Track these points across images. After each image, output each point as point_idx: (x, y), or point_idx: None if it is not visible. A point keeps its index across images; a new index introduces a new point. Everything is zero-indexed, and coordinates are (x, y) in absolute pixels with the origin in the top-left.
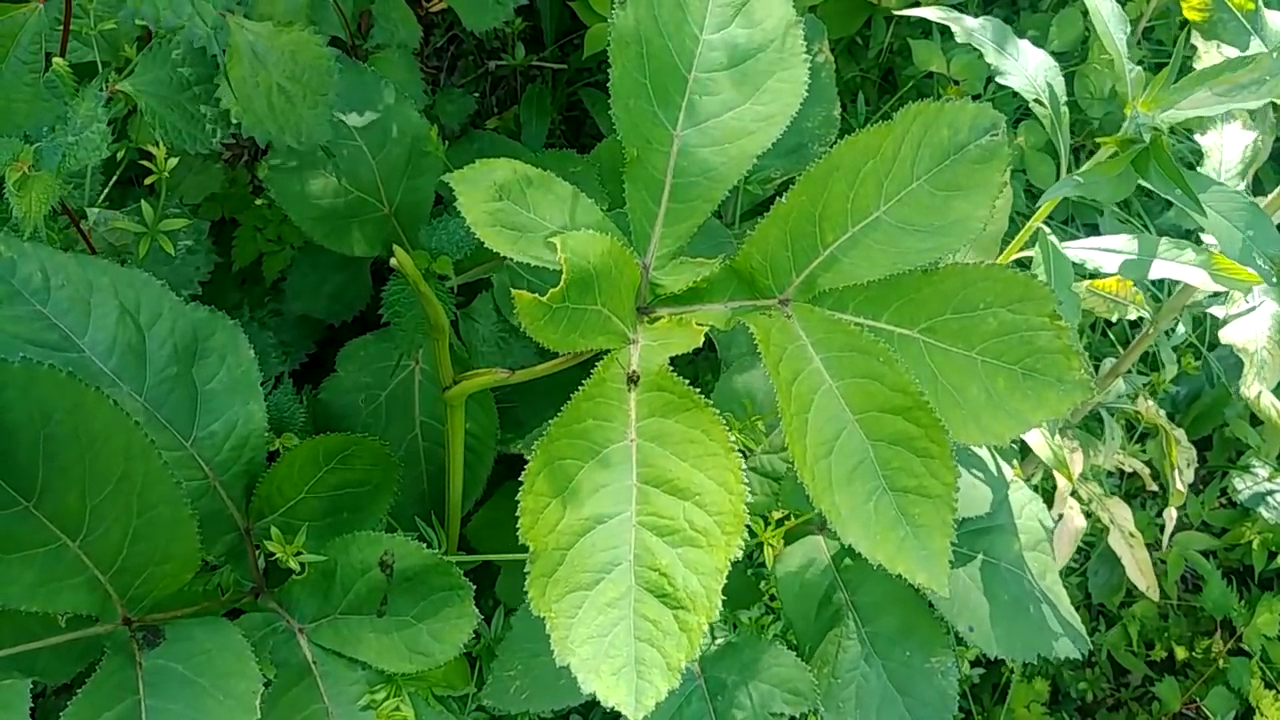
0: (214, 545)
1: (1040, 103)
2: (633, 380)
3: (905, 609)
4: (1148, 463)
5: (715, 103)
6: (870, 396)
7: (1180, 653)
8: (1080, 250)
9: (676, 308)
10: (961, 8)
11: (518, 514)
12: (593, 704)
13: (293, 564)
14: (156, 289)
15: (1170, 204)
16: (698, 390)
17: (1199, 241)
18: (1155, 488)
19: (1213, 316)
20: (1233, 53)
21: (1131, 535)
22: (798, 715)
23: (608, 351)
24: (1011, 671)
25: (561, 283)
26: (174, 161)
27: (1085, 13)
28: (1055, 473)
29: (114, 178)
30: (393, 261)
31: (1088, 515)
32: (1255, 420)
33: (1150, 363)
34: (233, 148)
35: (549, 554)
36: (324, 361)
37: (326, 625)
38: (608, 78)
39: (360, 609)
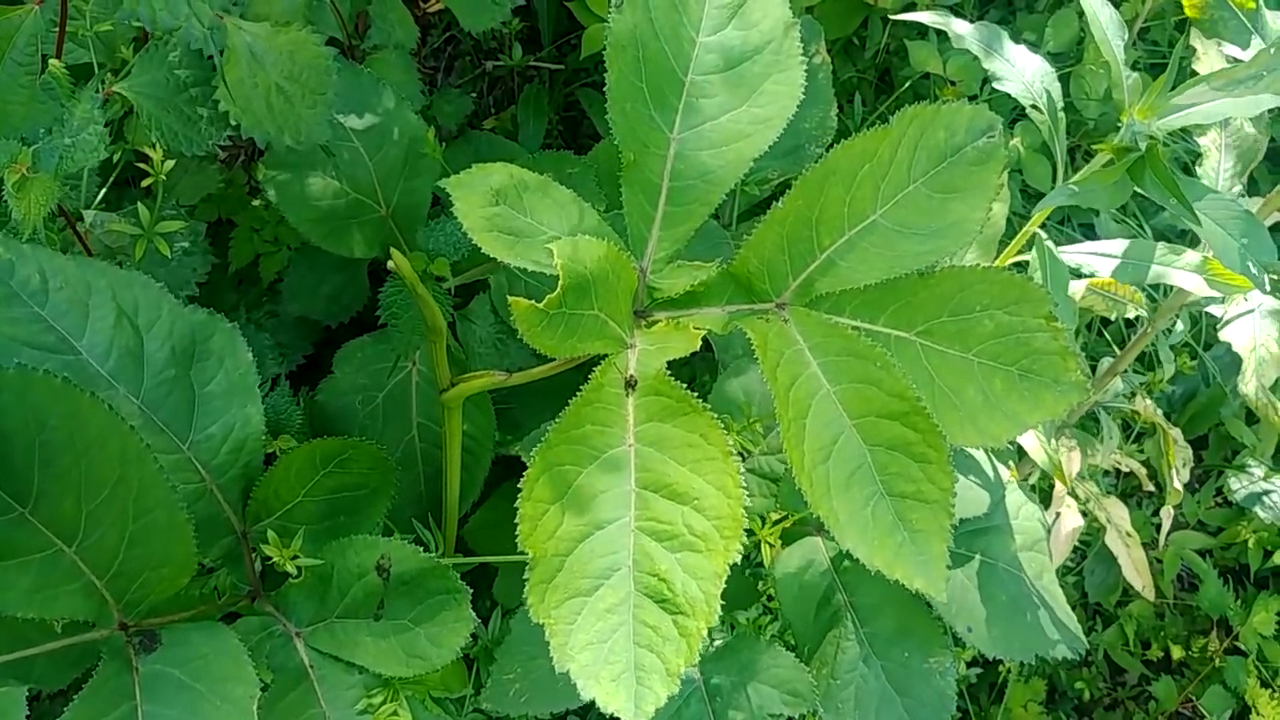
0: (211, 548)
1: (1036, 108)
2: (630, 385)
3: (903, 610)
4: (1144, 462)
5: (712, 106)
6: (867, 401)
7: (1177, 652)
8: (1076, 255)
9: (673, 312)
10: (958, 9)
11: (516, 520)
12: (591, 706)
13: (289, 568)
14: (155, 291)
15: None
16: (695, 394)
17: (1195, 241)
18: (1152, 487)
19: (1209, 316)
20: (1233, 51)
21: (1128, 535)
22: (796, 716)
23: (605, 355)
24: (1009, 671)
25: (558, 288)
26: (171, 163)
27: (1081, 13)
28: (1055, 476)
29: (110, 179)
30: (390, 264)
31: (1085, 514)
32: (1251, 419)
33: (1147, 362)
34: (229, 149)
35: (548, 560)
36: (321, 363)
37: (323, 629)
38: (605, 79)
39: (357, 613)
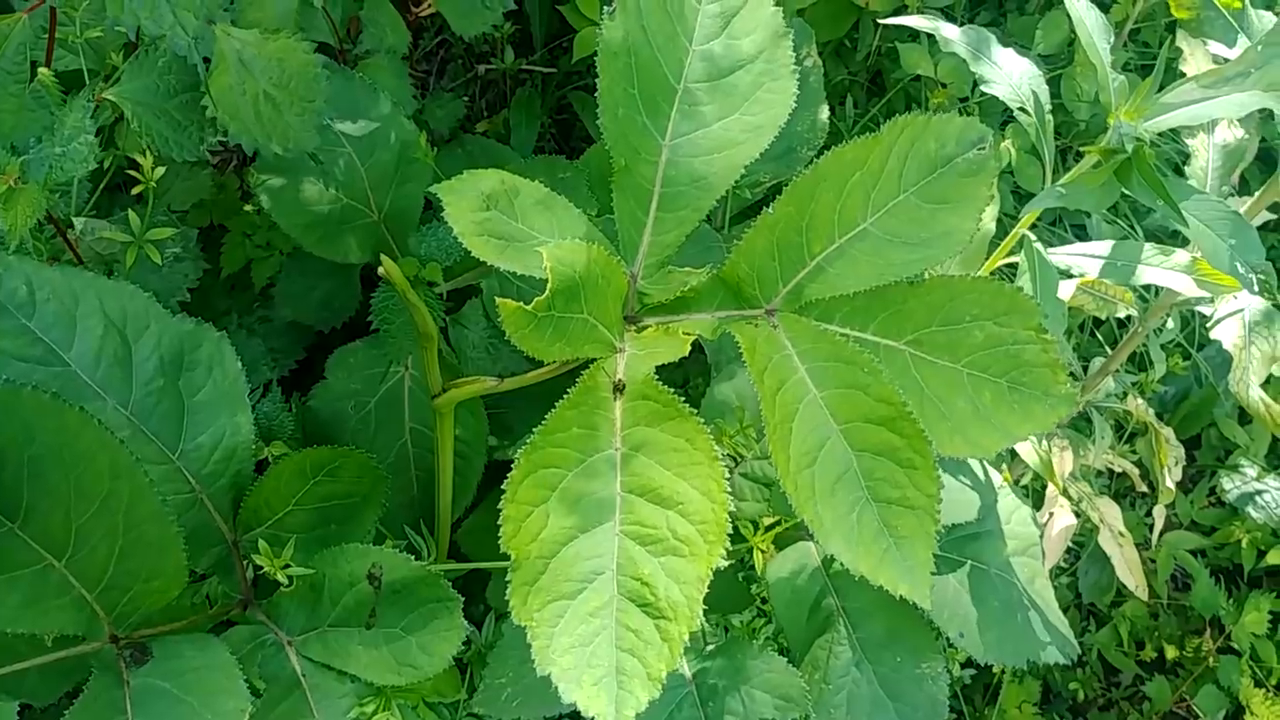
0: (201, 558)
1: (1024, 110)
2: (618, 389)
3: (895, 614)
4: (1137, 462)
5: (704, 113)
6: (854, 407)
7: (1170, 652)
8: (1066, 256)
9: (663, 317)
10: (948, 11)
11: (499, 522)
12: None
13: (280, 577)
14: (143, 300)
15: None
16: (683, 398)
17: (1186, 243)
18: (1144, 487)
19: (1201, 316)
20: (1220, 50)
21: (1121, 534)
22: None
23: (595, 360)
24: (1003, 672)
25: (547, 291)
26: (162, 170)
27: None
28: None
29: (101, 186)
30: (382, 270)
31: (1077, 515)
32: (1244, 419)
33: (1139, 362)
34: (221, 154)
35: (531, 563)
36: (313, 368)
37: (315, 638)
38: (597, 82)
39: (349, 621)
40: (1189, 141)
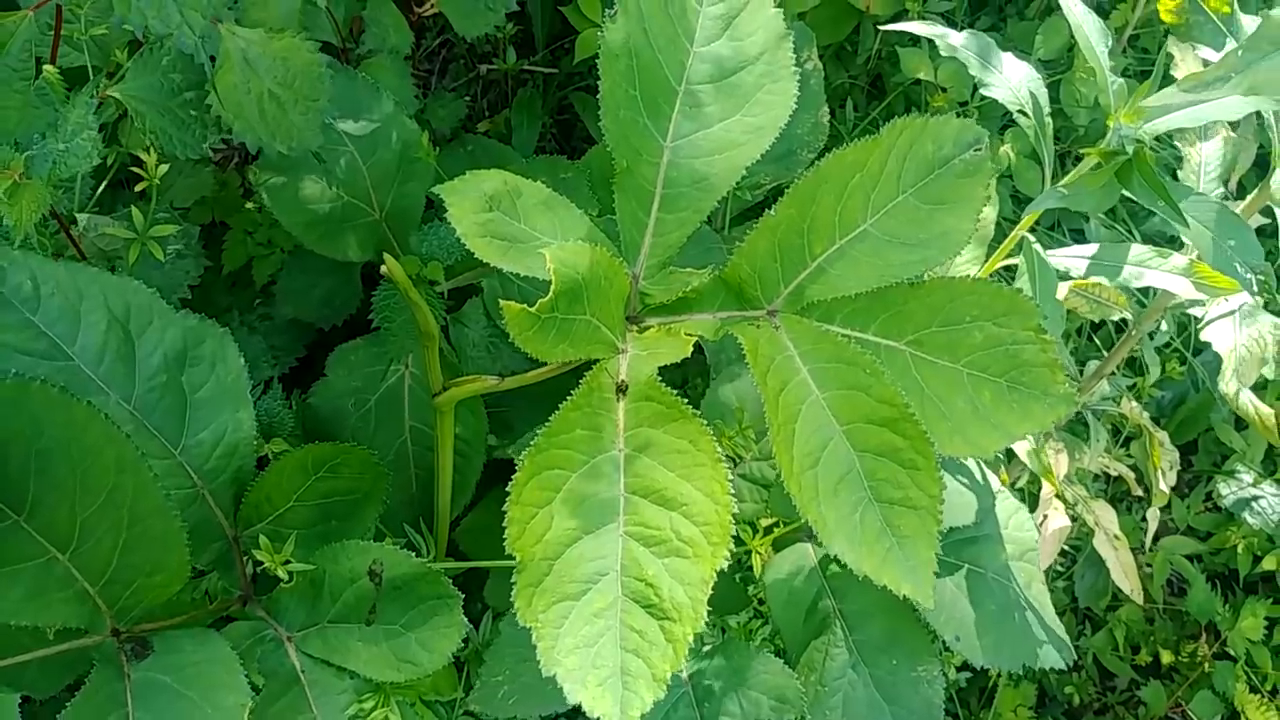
0: (202, 553)
1: (1024, 114)
2: (621, 390)
3: (892, 617)
4: (1132, 466)
5: (705, 114)
6: (856, 408)
7: (1166, 656)
8: (1065, 258)
9: (665, 317)
10: (949, 15)
11: (504, 524)
12: (578, 710)
13: (281, 572)
14: (146, 296)
15: None
16: (685, 399)
17: (1183, 246)
18: (1141, 491)
19: (1197, 320)
20: (1208, 54)
21: (1116, 538)
22: None
23: (597, 359)
24: (998, 676)
25: (550, 293)
26: (165, 167)
27: None
28: (1044, 480)
29: (104, 182)
30: (384, 268)
31: (1074, 519)
32: (1240, 425)
33: (1137, 367)
34: (223, 151)
35: (536, 564)
36: (314, 365)
37: (315, 634)
38: (598, 82)
39: (348, 618)
40: (1180, 145)
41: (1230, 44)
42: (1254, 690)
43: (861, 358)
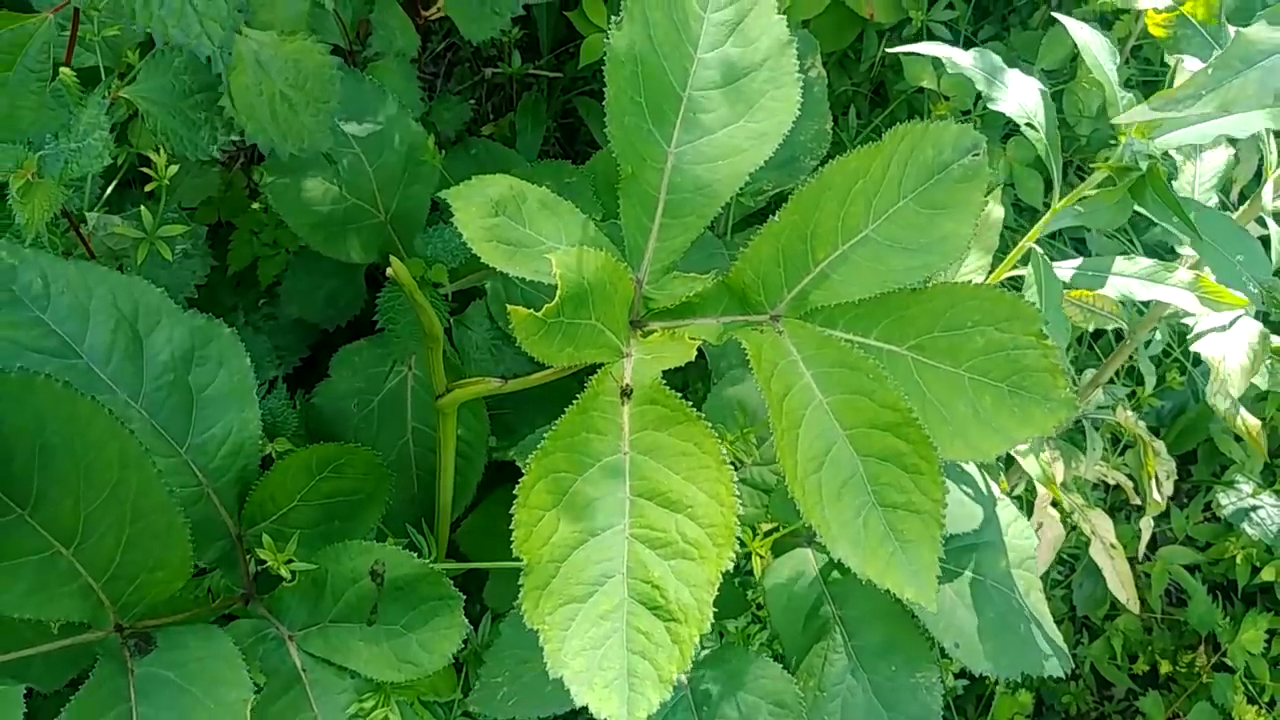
0: (206, 551)
1: (1032, 126)
2: (626, 394)
3: (891, 623)
4: (1130, 475)
5: (709, 120)
6: (860, 412)
7: (1164, 666)
8: (1071, 270)
9: (669, 322)
10: (953, 23)
11: (512, 526)
12: (578, 712)
13: (284, 572)
14: (154, 296)
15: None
16: (689, 403)
17: (1176, 254)
18: (1139, 501)
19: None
20: (1196, 67)
21: (1113, 546)
22: None
23: (601, 364)
24: (996, 684)
25: (556, 298)
26: (174, 168)
27: None
28: (1039, 485)
29: (114, 182)
30: (389, 271)
31: (1072, 529)
32: (1239, 435)
33: (1137, 376)
34: (230, 151)
35: (543, 566)
36: (318, 366)
37: (316, 633)
38: (603, 87)
39: (350, 617)
40: (1176, 155)
41: (1216, 55)
42: (1252, 701)
43: (865, 363)
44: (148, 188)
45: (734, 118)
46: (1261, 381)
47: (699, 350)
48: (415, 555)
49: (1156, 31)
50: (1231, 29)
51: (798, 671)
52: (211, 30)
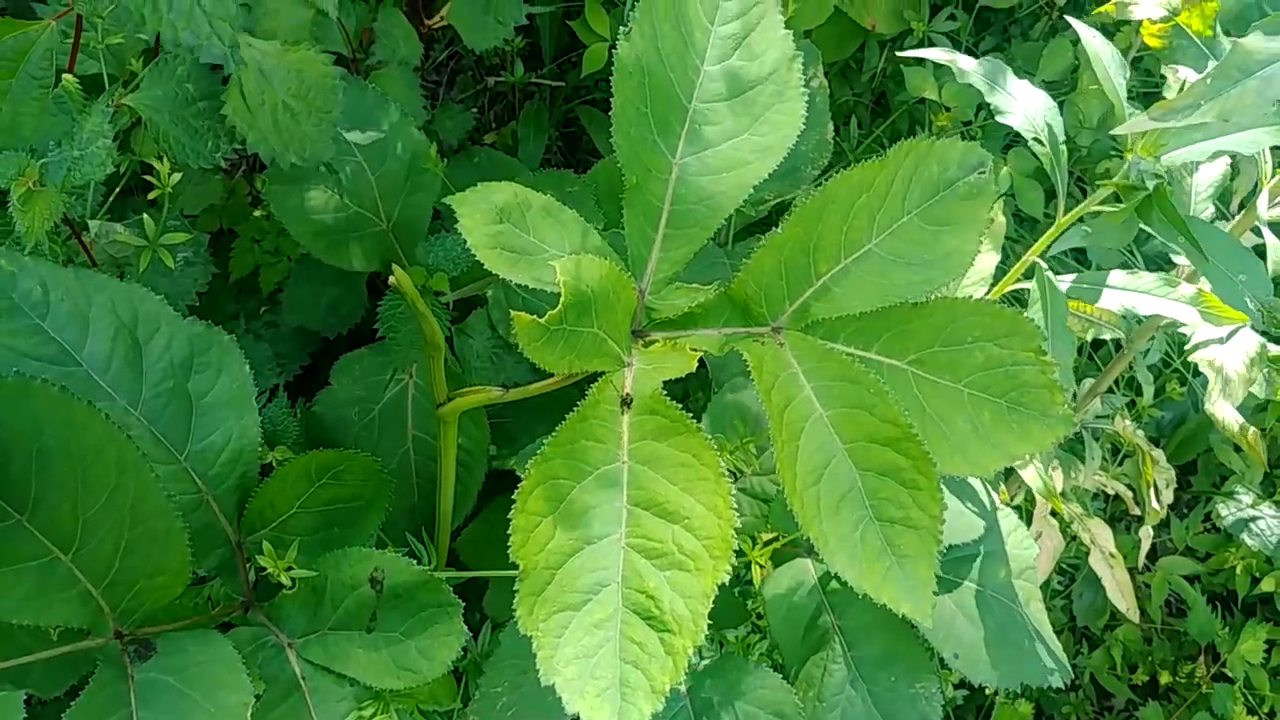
0: (206, 558)
1: (1039, 140)
2: (626, 403)
3: (891, 634)
4: (1130, 485)
5: (714, 132)
6: (859, 426)
7: (1164, 677)
8: (1074, 285)
9: (671, 332)
10: (954, 35)
11: (509, 532)
12: None
13: (283, 579)
14: (154, 303)
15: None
16: (689, 413)
17: (1172, 264)
18: (1138, 511)
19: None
20: (1191, 77)
21: (1112, 556)
22: None
23: (602, 372)
24: (995, 694)
25: (560, 306)
26: (177, 176)
27: (1075, 42)
28: (1039, 496)
29: (116, 189)
30: (391, 280)
31: (1071, 538)
32: (1239, 446)
33: (1138, 386)
34: (232, 159)
35: (538, 573)
36: (318, 374)
37: (315, 641)
38: (606, 96)
39: (349, 625)
40: (1170, 167)
41: (1211, 65)
42: (1252, 712)
43: (865, 376)
44: (150, 195)
45: (739, 130)
46: (1260, 391)
47: (700, 360)
48: (414, 563)
49: (1152, 42)
50: (1227, 40)
51: (797, 681)
52: (221, 30)
